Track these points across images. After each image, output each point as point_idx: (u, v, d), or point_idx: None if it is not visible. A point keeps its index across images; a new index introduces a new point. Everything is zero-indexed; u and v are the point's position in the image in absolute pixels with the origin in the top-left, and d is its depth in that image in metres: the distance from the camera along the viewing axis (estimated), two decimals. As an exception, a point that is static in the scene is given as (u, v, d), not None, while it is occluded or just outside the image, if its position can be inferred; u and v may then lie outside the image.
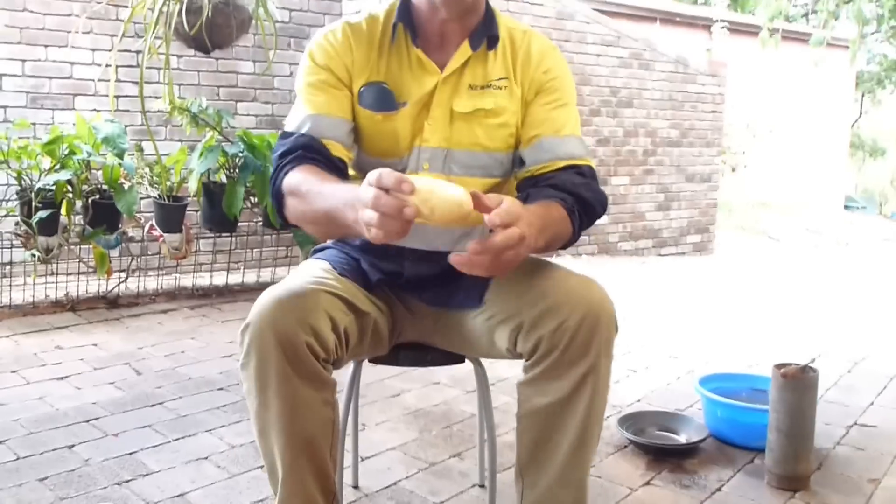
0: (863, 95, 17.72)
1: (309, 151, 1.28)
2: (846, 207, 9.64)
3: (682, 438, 2.06)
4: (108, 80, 3.42)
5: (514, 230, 1.03)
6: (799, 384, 1.79)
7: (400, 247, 1.37)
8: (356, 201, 1.05)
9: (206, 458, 1.89)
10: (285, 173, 1.26)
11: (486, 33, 1.35)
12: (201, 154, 3.22)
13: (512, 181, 1.43)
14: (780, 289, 4.47)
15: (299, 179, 1.23)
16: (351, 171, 1.41)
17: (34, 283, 3.18)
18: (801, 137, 11.53)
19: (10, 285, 3.15)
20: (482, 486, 1.78)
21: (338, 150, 1.31)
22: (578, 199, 1.27)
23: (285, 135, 1.33)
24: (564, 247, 1.30)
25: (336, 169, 1.29)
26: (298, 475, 1.22)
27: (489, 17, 1.36)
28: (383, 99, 1.33)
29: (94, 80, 3.65)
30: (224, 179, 3.33)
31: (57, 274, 3.21)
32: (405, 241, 1.30)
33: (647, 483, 1.84)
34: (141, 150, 3.29)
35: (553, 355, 1.19)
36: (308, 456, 1.22)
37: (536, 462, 1.27)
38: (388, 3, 1.38)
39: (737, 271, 5.19)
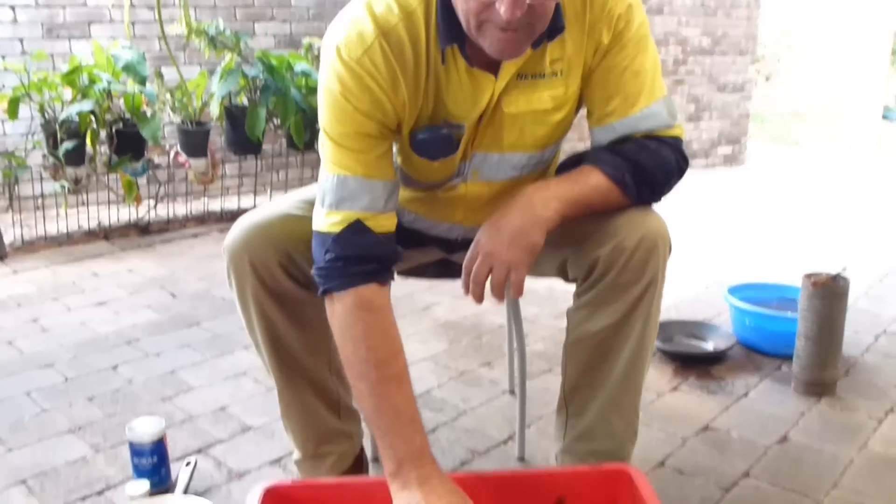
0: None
1: (352, 264, 1.10)
2: (884, 117, 9.30)
3: (709, 346, 2.08)
4: (123, 6, 3.38)
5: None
6: (829, 292, 1.78)
7: (448, 238, 1.36)
8: (395, 472, 1.09)
9: (244, 373, 1.96)
10: (335, 297, 1.11)
11: (550, 28, 1.09)
12: (221, 77, 3.20)
13: (553, 162, 1.31)
14: (813, 200, 4.38)
15: (351, 341, 1.11)
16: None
17: (66, 214, 3.24)
18: (839, 45, 11.05)
19: (45, 217, 3.21)
20: (512, 392, 1.82)
21: (383, 226, 1.13)
22: (634, 164, 1.14)
23: (321, 233, 1.12)
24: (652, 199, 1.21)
25: (384, 261, 1.14)
26: (293, 389, 1.27)
27: (556, 11, 1.08)
28: (444, 146, 1.17)
29: (108, 7, 3.59)
30: (245, 102, 3.31)
31: (88, 204, 3.27)
32: (450, 233, 1.37)
33: (675, 389, 1.87)
34: (161, 76, 3.27)
35: (609, 276, 1.15)
36: (299, 371, 1.25)
37: (586, 389, 1.23)
38: None
39: (768, 183, 5.08)
